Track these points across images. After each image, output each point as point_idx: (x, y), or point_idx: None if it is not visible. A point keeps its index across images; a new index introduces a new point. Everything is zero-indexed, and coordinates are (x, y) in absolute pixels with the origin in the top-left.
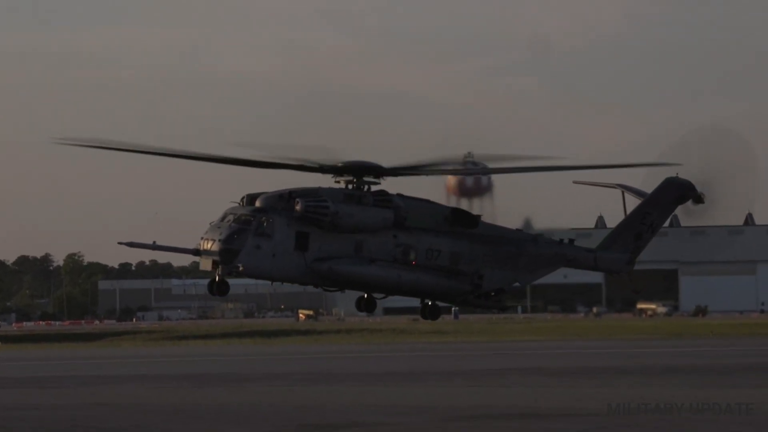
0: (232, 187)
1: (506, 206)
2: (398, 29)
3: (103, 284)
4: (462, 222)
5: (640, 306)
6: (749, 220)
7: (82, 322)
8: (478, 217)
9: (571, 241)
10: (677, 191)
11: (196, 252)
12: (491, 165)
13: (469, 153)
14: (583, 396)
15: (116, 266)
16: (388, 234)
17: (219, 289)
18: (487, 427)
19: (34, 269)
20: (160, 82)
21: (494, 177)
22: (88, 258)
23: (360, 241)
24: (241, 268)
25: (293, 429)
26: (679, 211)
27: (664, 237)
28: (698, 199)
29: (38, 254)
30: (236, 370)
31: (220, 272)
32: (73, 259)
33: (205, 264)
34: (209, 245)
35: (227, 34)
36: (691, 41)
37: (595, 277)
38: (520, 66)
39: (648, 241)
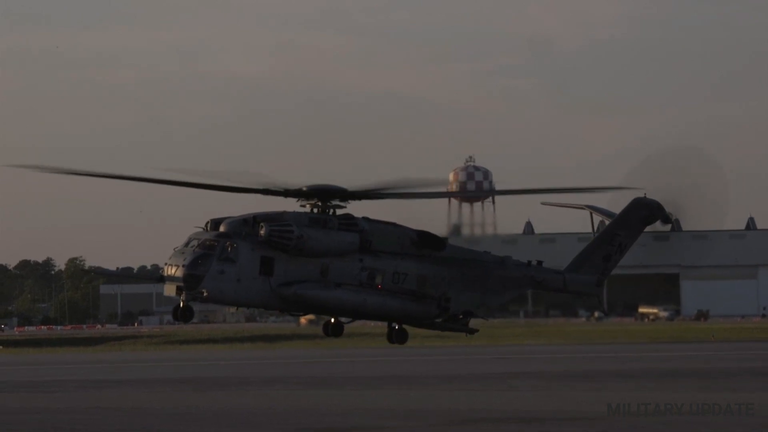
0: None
1: (506, 212)
2: (397, 30)
3: (105, 288)
4: (429, 245)
5: (641, 310)
6: (751, 224)
7: (84, 326)
8: (445, 239)
9: (539, 262)
10: (645, 211)
11: (161, 278)
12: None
13: (470, 157)
14: (584, 400)
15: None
16: (354, 258)
17: (183, 315)
18: (487, 430)
19: (35, 273)
20: (156, 85)
21: (496, 182)
22: (90, 262)
23: (325, 265)
24: (205, 294)
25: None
26: (651, 227)
27: (665, 241)
28: (666, 219)
29: (40, 258)
30: (237, 374)
31: (184, 298)
32: (74, 264)
33: (170, 290)
34: (173, 271)
35: (222, 35)
36: (694, 42)
37: None
38: (520, 68)
39: (617, 262)
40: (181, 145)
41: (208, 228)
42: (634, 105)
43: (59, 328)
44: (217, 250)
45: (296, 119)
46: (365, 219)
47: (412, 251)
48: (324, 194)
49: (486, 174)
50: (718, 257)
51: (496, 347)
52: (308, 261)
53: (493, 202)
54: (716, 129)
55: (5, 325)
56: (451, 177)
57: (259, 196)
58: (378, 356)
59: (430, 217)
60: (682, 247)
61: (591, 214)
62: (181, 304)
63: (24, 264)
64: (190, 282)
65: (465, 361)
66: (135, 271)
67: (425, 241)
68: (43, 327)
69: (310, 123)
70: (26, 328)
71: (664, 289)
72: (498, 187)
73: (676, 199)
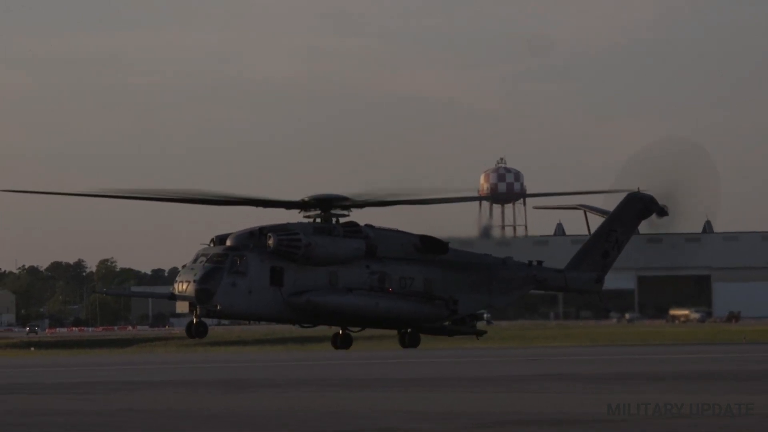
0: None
1: (537, 214)
2: (426, 34)
3: (136, 290)
4: (432, 249)
5: (672, 312)
6: None
7: (115, 328)
8: (447, 243)
9: (539, 262)
10: (640, 205)
11: (172, 296)
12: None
13: (501, 159)
14: (617, 401)
15: (149, 272)
16: (361, 264)
17: (197, 331)
18: None
19: (66, 275)
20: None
21: (527, 183)
22: (121, 264)
23: (334, 272)
24: (218, 308)
25: None
26: (645, 225)
27: (696, 243)
28: (662, 212)
29: (71, 260)
30: (268, 376)
31: (198, 314)
32: (105, 265)
33: (182, 306)
34: (184, 287)
35: (246, 39)
36: (728, 42)
37: (628, 282)
38: (546, 71)
39: (615, 258)
40: (204, 152)
41: (214, 244)
42: (666, 106)
43: (90, 329)
44: (227, 264)
45: (323, 123)
46: (368, 226)
47: (416, 256)
48: (326, 203)
49: (517, 175)
50: (750, 258)
51: (526, 349)
52: (317, 269)
53: (524, 204)
54: (745, 129)
55: (37, 326)
56: (482, 179)
57: (260, 209)
58: (407, 358)
59: (456, 221)
60: (713, 249)
61: (585, 213)
62: (194, 321)
63: (55, 266)
64: (202, 297)
65: (495, 363)
66: (166, 273)
67: (428, 245)
68: (74, 328)
69: (338, 127)
70: (57, 329)
71: (696, 290)
72: (530, 189)
73: (670, 191)
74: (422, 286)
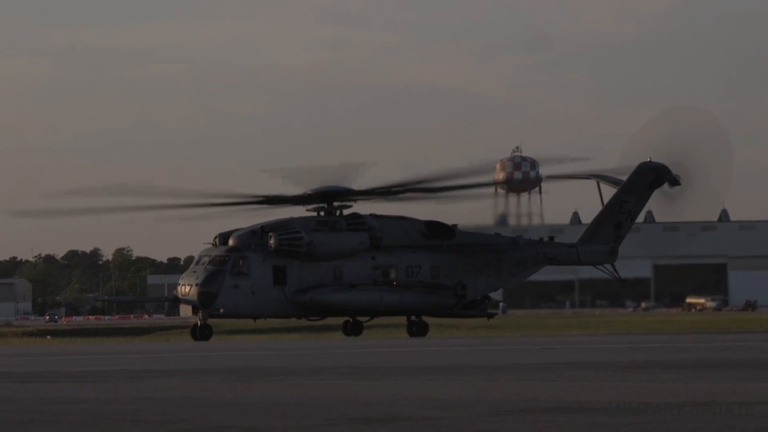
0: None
1: (553, 202)
2: (442, 23)
3: (152, 279)
4: (439, 234)
5: (689, 301)
6: None
7: (131, 316)
8: (454, 227)
9: (551, 238)
10: (652, 175)
11: (175, 299)
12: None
13: (517, 147)
14: (633, 390)
15: (165, 261)
16: (366, 257)
17: (202, 333)
18: (534, 420)
19: (83, 264)
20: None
21: (543, 171)
22: (137, 252)
23: (338, 267)
24: (222, 311)
25: (341, 422)
26: (661, 199)
27: (713, 231)
28: (674, 181)
29: (87, 249)
30: (284, 364)
31: (201, 317)
32: (122, 254)
33: (185, 310)
34: (187, 290)
35: (268, 27)
36: (748, 33)
37: (644, 271)
38: (567, 59)
39: (629, 229)
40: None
41: (217, 243)
42: (684, 95)
43: (107, 317)
44: (229, 265)
45: (341, 113)
46: (372, 216)
47: (422, 243)
48: (329, 196)
49: (533, 164)
50: (766, 247)
51: (542, 338)
52: (320, 265)
53: (540, 192)
54: (762, 117)
55: (57, 315)
56: (497, 167)
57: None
58: (423, 346)
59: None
60: (729, 238)
61: (598, 183)
62: (199, 323)
63: (72, 254)
64: (204, 300)
65: (511, 352)
66: (182, 262)
67: (435, 230)
68: (90, 317)
69: (356, 117)
70: (74, 318)
71: (712, 279)
72: (545, 178)
73: (683, 160)
74: (429, 274)
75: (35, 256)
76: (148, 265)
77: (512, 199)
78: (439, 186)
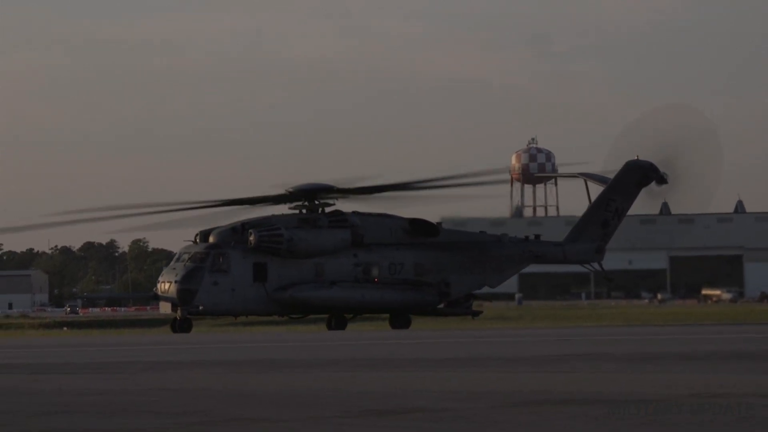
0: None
1: (569, 193)
2: (457, 14)
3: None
4: (422, 232)
5: (704, 292)
6: None
7: (147, 307)
8: (438, 224)
9: (537, 236)
10: (639, 173)
11: (155, 296)
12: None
13: (533, 139)
14: (647, 382)
15: None
16: (348, 254)
17: (182, 327)
18: (549, 412)
19: (99, 255)
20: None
21: (558, 163)
22: (153, 244)
23: (320, 264)
24: (201, 308)
25: (357, 414)
26: (645, 193)
27: (729, 223)
28: (661, 179)
29: (103, 241)
30: (299, 356)
31: (180, 314)
32: (138, 245)
33: (165, 307)
34: (167, 287)
35: (288, 19)
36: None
37: (660, 263)
38: (584, 50)
39: (616, 227)
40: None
41: (198, 240)
42: (702, 86)
43: (123, 309)
44: (209, 262)
45: (357, 104)
46: (355, 213)
47: (406, 240)
48: (310, 194)
49: (549, 155)
50: None
51: (558, 329)
52: (301, 262)
53: (556, 183)
54: None
55: (78, 306)
56: (513, 159)
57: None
58: (438, 338)
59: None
60: (745, 229)
61: (585, 181)
62: (178, 317)
63: (88, 246)
64: (184, 297)
65: (526, 343)
66: None
67: (418, 228)
68: (107, 308)
69: (373, 108)
70: (90, 309)
71: (728, 271)
72: (561, 169)
73: (670, 158)
74: (412, 271)
75: (52, 248)
76: (164, 256)
77: (528, 190)
78: (439, 184)
